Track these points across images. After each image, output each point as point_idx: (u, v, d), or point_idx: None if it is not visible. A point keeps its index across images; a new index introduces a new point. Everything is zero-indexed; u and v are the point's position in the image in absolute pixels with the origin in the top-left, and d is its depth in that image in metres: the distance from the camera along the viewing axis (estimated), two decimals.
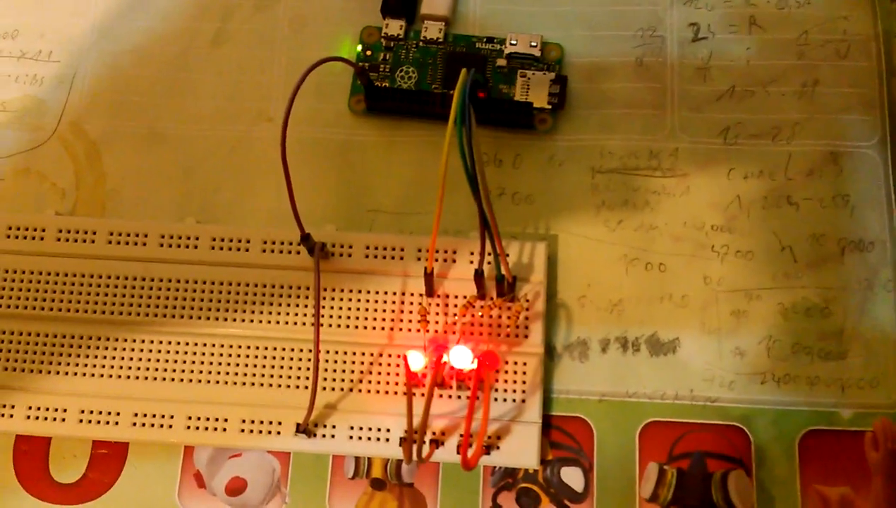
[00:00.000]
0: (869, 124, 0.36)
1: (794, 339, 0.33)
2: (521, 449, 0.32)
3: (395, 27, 0.37)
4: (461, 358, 0.30)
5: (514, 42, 0.37)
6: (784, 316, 0.34)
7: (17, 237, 0.34)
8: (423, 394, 0.31)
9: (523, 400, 0.32)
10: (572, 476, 0.32)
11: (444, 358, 0.30)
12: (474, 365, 0.30)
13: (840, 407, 0.33)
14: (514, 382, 0.32)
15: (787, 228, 0.35)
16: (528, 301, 0.33)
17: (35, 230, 0.34)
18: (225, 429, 0.32)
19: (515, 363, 0.32)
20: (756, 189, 0.35)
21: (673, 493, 0.32)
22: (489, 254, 0.32)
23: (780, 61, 0.37)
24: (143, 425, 0.32)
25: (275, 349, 0.33)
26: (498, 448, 0.32)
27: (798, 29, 0.37)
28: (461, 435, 0.31)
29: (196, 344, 0.33)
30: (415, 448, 0.28)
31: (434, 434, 0.32)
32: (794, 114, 0.36)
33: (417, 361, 0.30)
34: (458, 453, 0.31)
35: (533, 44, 0.37)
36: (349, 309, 0.33)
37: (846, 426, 0.32)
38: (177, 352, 0.33)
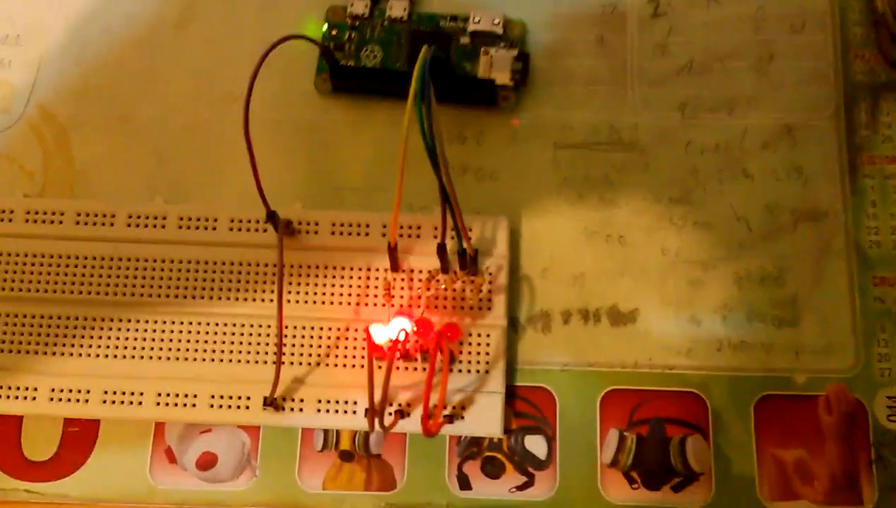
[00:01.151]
0: (823, 97, 0.36)
1: (750, 308, 0.34)
2: (486, 419, 0.32)
3: (359, 6, 0.37)
4: (423, 329, 0.30)
5: (477, 20, 0.37)
6: (739, 285, 0.34)
7: None
8: (380, 366, 0.31)
9: (487, 371, 0.32)
10: (536, 444, 0.33)
11: (407, 331, 0.31)
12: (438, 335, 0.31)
13: (794, 372, 0.33)
14: (478, 354, 0.33)
15: (742, 200, 0.35)
16: (491, 274, 0.33)
17: (3, 212, 0.34)
18: (195, 405, 0.32)
19: (479, 335, 0.33)
20: (713, 162, 0.35)
21: (633, 458, 0.32)
22: (452, 229, 0.32)
23: (736, 36, 0.37)
24: (114, 402, 0.32)
25: (243, 325, 0.33)
26: (462, 418, 0.32)
27: (754, 4, 0.37)
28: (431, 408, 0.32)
29: (165, 322, 0.33)
30: (377, 418, 0.29)
31: (400, 405, 0.32)
32: (750, 88, 0.36)
33: (380, 334, 0.30)
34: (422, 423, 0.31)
35: (496, 21, 0.37)
36: (316, 285, 0.33)
37: (800, 391, 0.33)
38: (145, 330, 0.33)
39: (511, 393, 0.33)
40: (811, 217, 0.35)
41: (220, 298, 0.33)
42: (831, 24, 0.37)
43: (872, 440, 0.32)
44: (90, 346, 0.33)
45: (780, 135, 0.36)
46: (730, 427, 0.33)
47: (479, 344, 0.33)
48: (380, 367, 0.29)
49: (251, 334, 0.33)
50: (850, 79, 0.36)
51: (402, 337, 0.30)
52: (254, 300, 0.33)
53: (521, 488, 0.32)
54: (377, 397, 0.28)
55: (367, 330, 0.30)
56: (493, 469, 0.33)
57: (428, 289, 0.33)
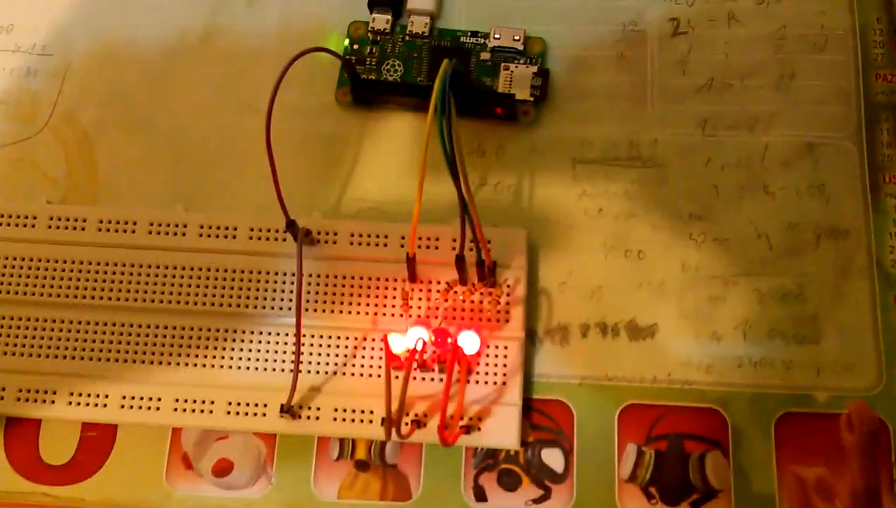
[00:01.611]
0: (844, 116, 0.36)
1: (770, 324, 0.33)
2: (502, 431, 0.32)
3: (381, 21, 0.38)
4: (441, 339, 0.30)
5: (497, 36, 0.37)
6: (760, 301, 0.34)
7: (8, 225, 0.34)
8: (397, 377, 0.31)
9: (504, 383, 0.32)
10: (553, 458, 0.32)
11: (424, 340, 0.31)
12: (455, 346, 0.30)
13: (815, 390, 0.33)
14: (496, 366, 0.32)
15: (763, 217, 0.35)
16: (509, 286, 0.33)
17: (27, 218, 0.34)
18: (212, 411, 0.32)
19: (497, 347, 0.32)
20: (733, 178, 0.35)
21: (651, 473, 0.32)
22: (471, 241, 0.32)
23: (757, 55, 0.37)
24: (132, 407, 0.32)
25: (261, 333, 0.33)
26: (479, 429, 0.32)
27: (776, 23, 0.37)
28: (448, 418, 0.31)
29: (184, 328, 0.33)
30: (394, 427, 0.28)
31: (416, 415, 0.32)
32: (771, 106, 0.36)
33: (397, 343, 0.30)
34: (438, 433, 0.31)
35: (516, 38, 0.37)
36: (334, 293, 0.33)
37: (821, 408, 0.32)
38: (164, 336, 0.33)
39: (528, 406, 0.33)
40: (833, 235, 0.34)
41: (238, 306, 0.33)
42: (852, 43, 0.37)
43: (894, 458, 0.32)
44: (109, 352, 0.33)
45: (801, 153, 0.35)
46: (750, 444, 0.32)
47: (496, 356, 0.32)
48: (396, 377, 0.29)
49: (269, 342, 0.33)
50: (871, 98, 0.36)
51: (419, 347, 0.30)
52: (272, 308, 0.33)
53: (537, 501, 0.32)
54: (394, 406, 0.28)
55: (384, 339, 0.30)
56: (509, 482, 0.32)
57: (446, 300, 0.33)
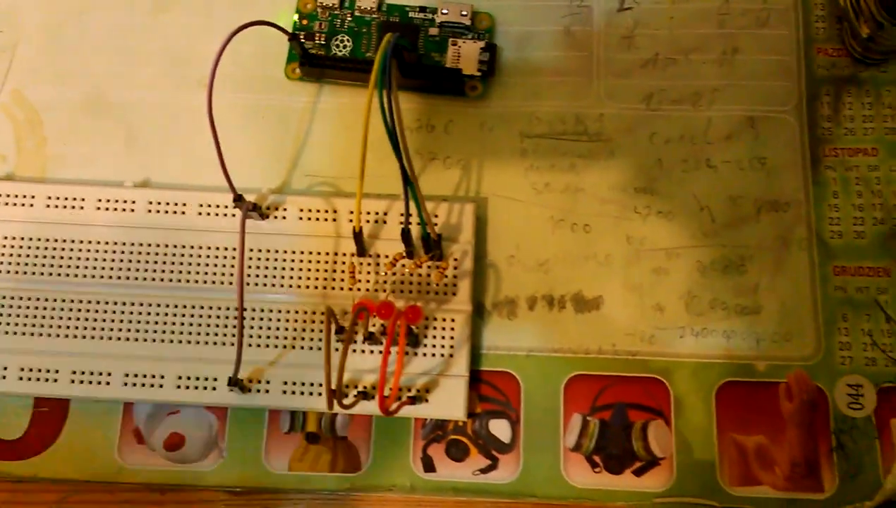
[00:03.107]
0: (786, 90, 0.36)
1: (712, 295, 0.33)
2: (449, 402, 0.32)
3: None
4: (385, 311, 0.30)
5: (445, 11, 0.36)
6: (702, 273, 0.34)
7: None
8: (337, 349, 0.31)
9: (451, 355, 0.32)
10: (500, 428, 0.32)
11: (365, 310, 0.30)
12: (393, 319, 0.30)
13: (755, 359, 0.33)
14: (443, 338, 0.32)
15: (706, 190, 0.35)
16: (456, 260, 0.33)
17: None
18: (162, 385, 0.32)
19: (444, 320, 0.32)
20: (677, 152, 0.35)
21: (596, 442, 0.32)
22: (412, 215, 0.32)
23: (701, 30, 0.37)
24: (82, 382, 0.32)
25: (210, 308, 0.32)
26: (427, 401, 0.32)
27: None
28: (391, 389, 0.31)
29: (133, 304, 0.32)
30: (336, 398, 0.28)
31: (365, 388, 0.31)
32: (715, 80, 0.36)
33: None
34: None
35: (464, 13, 0.36)
36: (283, 268, 0.33)
37: (761, 378, 0.33)
38: (114, 312, 0.32)
39: (476, 378, 0.33)
40: (774, 207, 0.34)
41: (187, 281, 0.33)
42: (795, 18, 0.37)
43: (833, 427, 0.32)
44: (59, 327, 0.32)
45: (744, 127, 0.35)
46: (691, 412, 0.32)
47: (443, 329, 0.32)
48: (337, 350, 0.29)
49: (219, 316, 0.32)
50: (813, 72, 0.36)
51: (360, 317, 0.29)
52: (221, 283, 0.33)
53: (484, 471, 0.32)
54: (334, 377, 0.28)
55: (328, 311, 0.29)
56: (457, 452, 0.32)
57: (392, 273, 0.32)
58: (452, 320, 0.32)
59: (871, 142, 0.35)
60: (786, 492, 0.31)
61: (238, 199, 0.31)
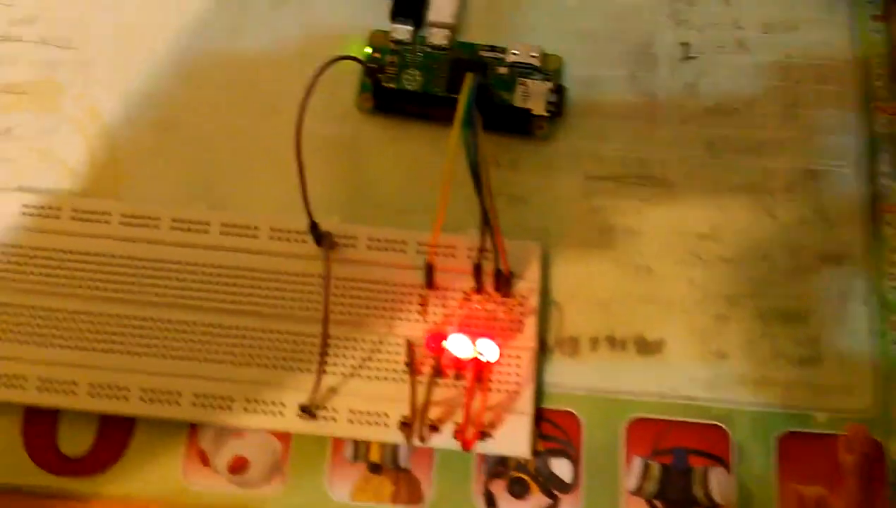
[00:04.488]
0: (846, 146, 0.36)
1: (773, 344, 0.33)
2: (514, 439, 0.31)
3: (403, 32, 0.37)
4: (464, 346, 0.30)
5: (515, 52, 0.36)
6: (763, 321, 0.33)
7: (32, 215, 0.33)
8: (420, 382, 0.31)
9: (517, 392, 0.32)
10: (561, 467, 0.32)
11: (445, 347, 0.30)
12: (475, 354, 0.30)
13: (815, 410, 0.33)
14: (509, 374, 0.32)
15: (767, 239, 0.35)
16: (522, 297, 0.33)
17: (51, 208, 0.33)
18: (230, 408, 0.31)
19: (510, 356, 0.32)
20: (739, 201, 0.35)
21: (657, 487, 0.32)
22: (487, 251, 0.32)
23: (763, 81, 0.37)
24: (151, 401, 0.31)
25: (280, 333, 0.32)
26: (492, 436, 0.31)
27: (781, 52, 0.37)
28: (457, 423, 0.31)
29: (204, 325, 0.32)
30: (416, 432, 0.28)
31: (431, 421, 0.31)
32: (776, 132, 0.36)
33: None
34: (455, 438, 0.30)
35: (533, 54, 0.36)
36: (352, 297, 0.32)
37: (821, 429, 0.32)
38: (185, 332, 0.32)
39: (538, 415, 0.32)
40: (834, 260, 0.34)
41: (259, 305, 0.32)
42: (853, 74, 0.37)
43: (891, 479, 0.32)
44: (130, 345, 0.32)
45: (805, 180, 0.35)
46: (752, 460, 0.32)
47: (509, 365, 0.32)
48: (421, 383, 0.29)
49: (288, 341, 0.32)
50: (872, 129, 0.36)
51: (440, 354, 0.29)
52: (292, 308, 0.32)
53: None
54: (418, 410, 0.27)
55: (407, 343, 0.29)
56: (519, 490, 0.32)
57: (462, 308, 0.32)
58: (518, 356, 0.32)
59: None
60: None
61: (313, 227, 0.31)
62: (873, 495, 0.31)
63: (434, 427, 0.31)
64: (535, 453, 0.32)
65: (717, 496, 0.31)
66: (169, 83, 0.37)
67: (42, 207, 0.33)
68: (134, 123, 0.36)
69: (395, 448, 0.32)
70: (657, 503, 0.31)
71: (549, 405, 0.33)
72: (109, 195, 0.35)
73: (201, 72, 0.37)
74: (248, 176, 0.35)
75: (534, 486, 0.32)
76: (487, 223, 0.29)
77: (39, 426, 0.32)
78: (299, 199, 0.29)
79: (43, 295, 0.32)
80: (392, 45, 0.37)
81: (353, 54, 0.36)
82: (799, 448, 0.32)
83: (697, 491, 0.31)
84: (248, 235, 0.33)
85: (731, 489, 0.32)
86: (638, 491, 0.32)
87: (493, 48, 0.37)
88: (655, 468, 0.32)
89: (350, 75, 0.36)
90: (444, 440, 0.31)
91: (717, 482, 0.32)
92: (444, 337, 0.30)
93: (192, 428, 0.32)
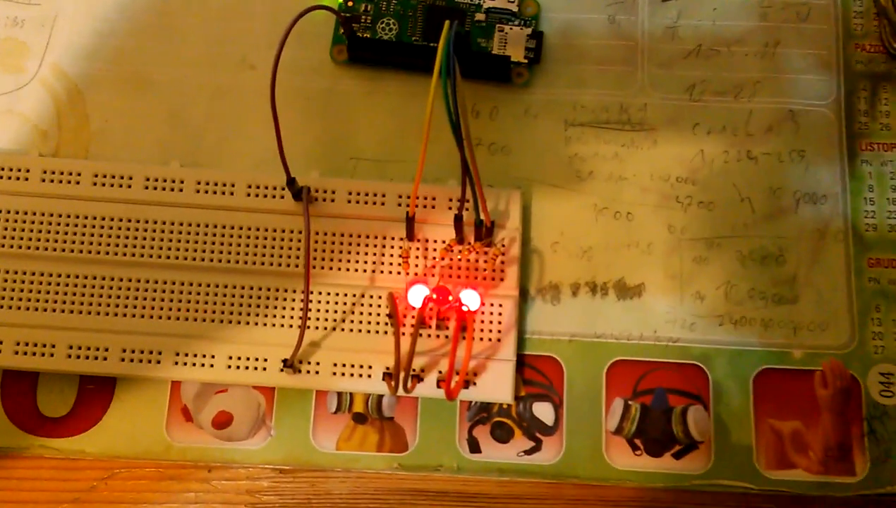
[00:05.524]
0: (825, 85, 0.36)
1: (751, 285, 0.34)
2: (497, 385, 0.32)
3: None
4: (443, 297, 0.30)
5: None
6: (742, 263, 0.34)
7: (1, 177, 0.33)
8: (404, 333, 0.31)
9: (499, 340, 0.32)
10: (543, 411, 0.32)
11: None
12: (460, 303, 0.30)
13: (792, 347, 0.33)
14: (491, 323, 0.32)
15: (746, 181, 0.35)
16: (504, 246, 0.33)
17: (20, 170, 0.33)
18: (212, 365, 0.31)
19: (492, 305, 0.32)
20: (718, 143, 0.35)
21: (637, 426, 0.32)
22: (467, 201, 0.32)
23: (744, 23, 0.37)
24: (132, 360, 0.31)
25: (259, 289, 0.32)
26: (475, 384, 0.32)
27: None
28: (440, 371, 0.31)
29: (183, 283, 0.32)
30: (402, 382, 0.28)
31: (415, 370, 0.31)
32: (756, 73, 0.36)
33: (418, 295, 0.29)
34: (439, 387, 0.31)
35: None
36: (332, 251, 0.33)
37: (797, 365, 0.33)
38: (163, 291, 0.32)
39: (520, 362, 0.33)
40: (812, 200, 0.35)
41: (237, 262, 0.32)
42: (834, 13, 0.37)
43: (865, 413, 0.32)
44: (108, 305, 0.32)
45: (784, 120, 0.35)
46: (730, 398, 0.33)
47: (491, 314, 0.32)
48: (404, 334, 0.29)
49: (268, 297, 0.32)
50: (851, 68, 0.36)
51: (427, 305, 0.29)
52: (271, 264, 0.32)
53: (528, 452, 0.32)
54: (402, 361, 0.28)
55: (391, 295, 0.29)
56: (502, 434, 0.32)
57: (443, 258, 0.32)
58: (500, 305, 0.32)
59: None
60: (819, 475, 0.32)
61: (291, 182, 0.31)
62: (847, 428, 0.32)
63: (418, 377, 0.31)
64: (518, 398, 0.32)
65: (695, 433, 0.32)
66: (137, 39, 0.36)
67: (10, 169, 0.33)
68: (102, 81, 0.36)
69: (379, 399, 0.32)
70: (637, 441, 0.32)
71: (531, 351, 0.33)
72: (80, 155, 0.34)
73: (171, 27, 0.36)
74: (223, 132, 0.35)
75: (517, 430, 0.32)
76: (467, 173, 0.29)
77: (18, 387, 0.32)
78: (276, 155, 0.29)
79: (15, 258, 0.32)
80: None
81: (326, 4, 0.36)
82: (776, 385, 0.33)
83: (676, 429, 0.32)
84: (224, 192, 0.33)
85: (708, 426, 0.32)
86: (618, 431, 0.32)
87: None
88: (635, 408, 0.32)
89: (323, 27, 0.36)
90: (428, 389, 0.31)
91: (696, 419, 0.32)
92: (427, 289, 0.31)
93: (175, 385, 0.32)
